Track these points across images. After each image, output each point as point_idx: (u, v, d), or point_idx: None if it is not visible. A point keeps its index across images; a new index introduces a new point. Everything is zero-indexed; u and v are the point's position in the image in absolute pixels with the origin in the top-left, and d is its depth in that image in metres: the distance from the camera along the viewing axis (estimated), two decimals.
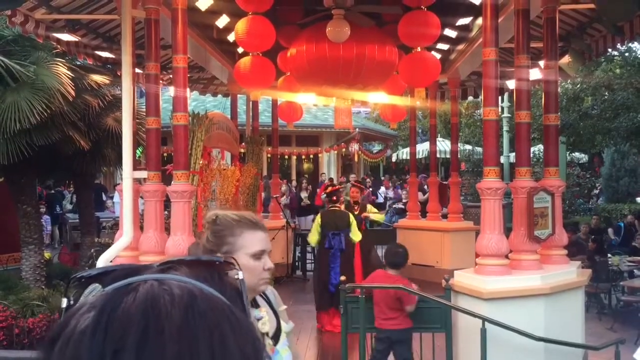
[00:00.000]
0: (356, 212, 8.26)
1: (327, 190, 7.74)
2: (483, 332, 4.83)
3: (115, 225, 10.14)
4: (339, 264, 7.03)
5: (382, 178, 23.87)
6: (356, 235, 7.36)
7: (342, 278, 5.53)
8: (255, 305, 2.01)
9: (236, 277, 0.76)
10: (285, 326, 2.04)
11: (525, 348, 4.79)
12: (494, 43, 5.40)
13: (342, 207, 8.11)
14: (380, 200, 18.08)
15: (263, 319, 1.93)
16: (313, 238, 7.40)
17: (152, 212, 5.89)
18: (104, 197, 16.59)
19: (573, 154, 20.67)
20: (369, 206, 9.10)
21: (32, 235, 9.47)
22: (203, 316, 0.59)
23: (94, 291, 0.63)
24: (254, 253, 1.91)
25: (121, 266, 0.65)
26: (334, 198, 7.49)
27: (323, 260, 7.24)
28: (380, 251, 11.08)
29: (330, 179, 18.77)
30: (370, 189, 17.57)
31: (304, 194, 15.99)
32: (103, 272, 0.65)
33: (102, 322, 0.57)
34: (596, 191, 18.84)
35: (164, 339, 0.56)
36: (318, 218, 7.38)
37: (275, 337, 1.98)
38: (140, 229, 6.14)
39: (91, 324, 0.57)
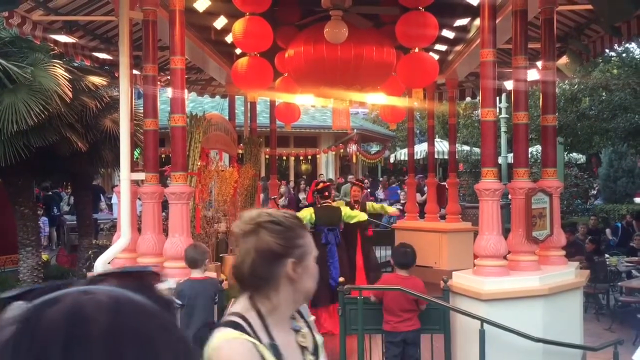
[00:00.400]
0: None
1: (319, 187, 7.74)
2: (481, 333, 4.83)
3: (113, 227, 10.12)
4: (338, 258, 7.08)
5: (380, 179, 23.88)
6: (361, 216, 7.72)
7: (341, 279, 5.50)
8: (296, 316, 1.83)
9: (166, 287, 0.76)
10: (319, 338, 1.86)
11: (524, 349, 4.79)
12: (491, 44, 5.40)
13: (333, 202, 8.15)
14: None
15: (302, 331, 1.76)
16: (307, 219, 7.32)
17: (150, 213, 5.88)
18: (102, 199, 16.57)
19: (571, 155, 20.68)
20: (369, 204, 9.05)
21: (29, 237, 9.46)
22: (129, 319, 0.59)
23: (18, 308, 0.62)
24: (315, 256, 1.79)
25: (47, 283, 0.65)
26: (326, 194, 7.52)
27: (321, 256, 7.26)
28: (379, 252, 11.11)
29: (330, 180, 18.77)
30: (369, 190, 17.56)
31: (302, 195, 15.99)
32: (28, 290, 0.64)
33: (25, 333, 0.56)
34: (594, 192, 18.86)
35: (89, 345, 0.56)
36: (311, 213, 7.28)
37: (315, 352, 1.78)
38: (138, 230, 6.13)
39: (13, 336, 0.56)
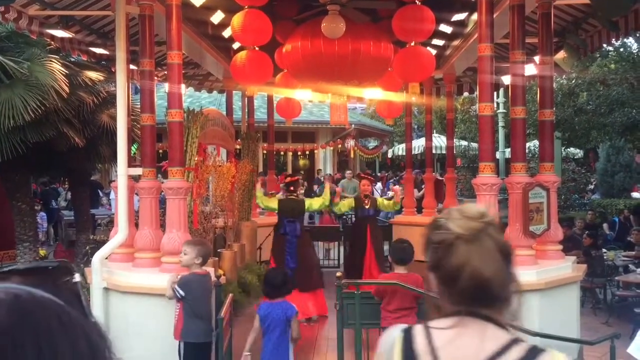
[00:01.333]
0: (366, 206, 8.26)
1: (286, 181, 8.15)
2: None
3: (111, 222, 10.11)
4: (295, 249, 7.46)
5: (379, 174, 23.89)
6: (343, 207, 8.30)
7: (338, 274, 5.50)
8: None
9: (74, 280, 0.75)
10: None
11: None
12: (489, 39, 5.40)
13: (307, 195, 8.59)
14: (377, 196, 18.05)
15: None
16: (265, 204, 8.04)
17: (148, 209, 5.88)
18: (100, 194, 16.55)
19: (568, 150, 20.71)
20: (379, 199, 8.88)
21: (27, 233, 9.46)
22: (29, 315, 0.59)
23: None
24: None
25: None
26: (291, 188, 7.88)
27: (279, 245, 7.69)
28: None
29: (330, 176, 18.79)
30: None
31: (299, 191, 15.95)
32: None
33: None
34: (591, 186, 18.89)
35: None
36: (276, 203, 7.83)
37: None
38: (136, 226, 6.13)
39: None
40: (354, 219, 9.22)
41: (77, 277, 0.77)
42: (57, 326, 0.60)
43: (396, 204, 8.70)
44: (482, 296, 1.30)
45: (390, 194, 8.88)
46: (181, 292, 4.79)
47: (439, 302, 1.38)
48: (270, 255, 8.04)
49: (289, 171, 22.09)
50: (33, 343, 0.57)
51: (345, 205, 8.45)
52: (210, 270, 5.95)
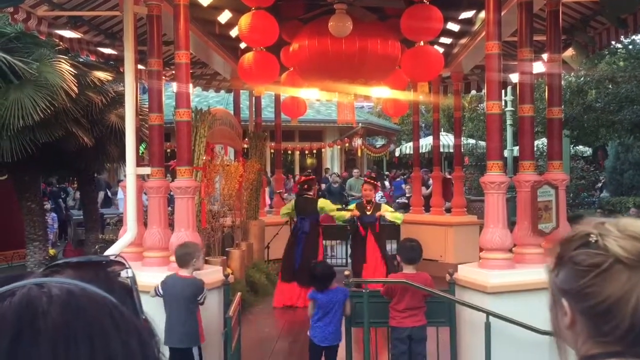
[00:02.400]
0: (368, 212, 8.08)
1: (300, 180, 8.81)
2: (487, 326, 4.83)
3: (120, 222, 10.16)
4: (303, 244, 7.99)
5: (387, 173, 23.87)
6: (327, 207, 8.33)
7: (346, 273, 5.51)
8: None
9: (126, 276, 0.75)
10: None
11: (530, 342, 4.79)
12: (497, 36, 5.38)
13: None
14: (380, 194, 18.00)
15: None
16: (284, 212, 8.62)
17: (156, 208, 5.90)
18: (109, 194, 16.60)
19: (577, 148, 20.61)
20: (384, 206, 8.72)
21: (36, 232, 9.52)
22: (82, 312, 0.59)
23: None
24: None
25: (3, 276, 0.65)
26: (305, 187, 8.45)
27: (290, 241, 8.28)
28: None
29: (337, 175, 18.80)
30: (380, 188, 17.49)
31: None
32: None
33: None
34: (599, 184, 18.80)
35: (39, 339, 0.56)
36: (292, 204, 8.47)
37: None
38: (144, 225, 6.16)
39: None
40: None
41: (129, 273, 0.76)
42: (110, 323, 0.60)
43: (397, 218, 8.41)
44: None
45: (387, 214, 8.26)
46: (160, 292, 4.80)
47: (572, 337, 1.11)
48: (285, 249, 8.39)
49: (297, 170, 22.12)
50: (85, 340, 0.57)
51: (345, 215, 8.40)
52: (217, 269, 5.98)
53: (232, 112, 10.11)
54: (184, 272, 4.88)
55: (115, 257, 0.76)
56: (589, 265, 1.05)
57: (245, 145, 10.56)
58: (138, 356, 0.61)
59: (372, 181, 8.77)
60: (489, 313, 4.84)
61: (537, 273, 5.21)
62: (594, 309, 1.04)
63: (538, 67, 7.34)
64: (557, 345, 1.12)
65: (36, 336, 0.56)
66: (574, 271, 1.07)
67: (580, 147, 21.53)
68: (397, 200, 16.92)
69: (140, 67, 6.84)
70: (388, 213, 8.30)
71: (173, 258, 5.37)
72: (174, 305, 4.75)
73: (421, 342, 5.01)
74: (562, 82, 8.40)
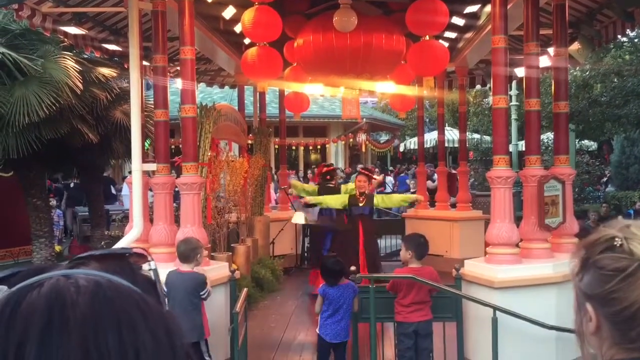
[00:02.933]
0: (361, 204, 7.80)
1: (323, 171, 8.91)
2: (494, 321, 4.83)
3: (125, 218, 10.18)
4: (331, 231, 8.35)
5: (391, 168, 23.85)
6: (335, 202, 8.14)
7: (352, 268, 5.50)
8: None
9: (149, 268, 0.75)
10: None
11: (537, 337, 4.78)
12: (503, 30, 5.36)
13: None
14: (388, 190, 18.02)
15: None
16: (299, 189, 8.92)
17: (162, 204, 5.90)
18: (113, 190, 16.62)
19: (582, 142, 20.53)
20: (378, 197, 8.44)
21: (42, 229, 9.54)
22: (110, 303, 0.59)
23: (0, 293, 0.62)
24: None
25: (29, 267, 0.65)
26: (328, 177, 8.71)
27: (318, 228, 8.61)
28: (389, 241, 11.10)
29: (341, 170, 18.78)
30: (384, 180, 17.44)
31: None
32: (10, 274, 0.65)
33: (4, 318, 0.57)
34: (605, 179, 18.73)
35: (69, 328, 0.56)
36: (314, 188, 8.72)
37: None
38: (150, 221, 6.16)
39: None
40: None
41: (152, 265, 0.77)
42: (137, 314, 0.61)
43: (404, 199, 8.51)
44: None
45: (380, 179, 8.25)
46: (164, 289, 4.81)
47: (598, 343, 1.08)
48: (311, 238, 8.65)
49: (300, 166, 22.12)
50: (114, 331, 0.58)
51: (337, 202, 8.07)
52: (224, 265, 5.98)
53: (236, 108, 10.10)
54: (186, 268, 4.90)
55: (138, 250, 0.76)
56: (614, 270, 1.02)
57: (250, 141, 10.56)
58: (166, 346, 0.61)
59: (366, 172, 8.39)
60: (496, 308, 4.84)
61: (543, 268, 5.21)
62: (619, 314, 1.02)
63: (543, 62, 7.30)
64: (580, 349, 1.10)
65: (66, 326, 0.57)
66: (599, 275, 1.04)
67: (586, 142, 21.46)
68: None
69: (145, 63, 6.84)
70: (390, 199, 8.67)
71: None
72: (177, 300, 4.76)
73: (427, 337, 5.00)
74: (568, 76, 8.35)
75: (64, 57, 8.57)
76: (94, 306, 0.58)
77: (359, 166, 18.00)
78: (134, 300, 0.62)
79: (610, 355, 1.06)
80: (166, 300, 4.69)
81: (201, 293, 4.84)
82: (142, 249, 0.78)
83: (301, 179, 17.48)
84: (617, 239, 1.04)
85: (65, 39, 7.53)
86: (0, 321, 0.57)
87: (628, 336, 1.02)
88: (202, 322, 4.85)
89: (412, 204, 9.94)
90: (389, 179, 19.58)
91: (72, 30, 7.11)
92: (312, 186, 8.58)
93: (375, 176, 9.05)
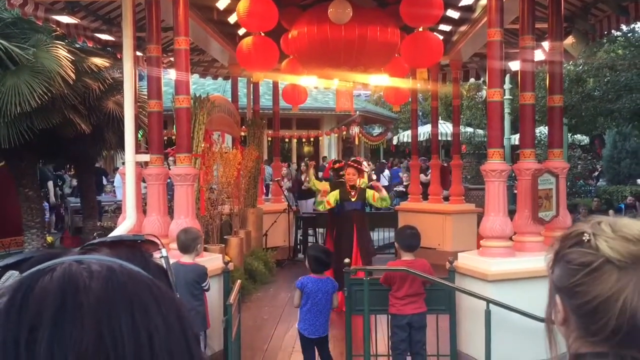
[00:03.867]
0: (353, 199, 7.41)
1: (335, 166, 8.43)
2: (487, 313, 4.85)
3: (118, 209, 10.14)
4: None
5: (383, 161, 23.86)
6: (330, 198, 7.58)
7: (346, 260, 5.50)
8: None
9: (160, 256, 0.76)
10: None
11: (530, 329, 4.80)
12: (498, 23, 5.35)
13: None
14: (385, 183, 18.01)
15: None
16: (315, 185, 8.10)
17: (155, 195, 5.87)
18: (105, 181, 16.54)
19: (575, 136, 20.61)
20: (369, 191, 7.66)
21: (33, 219, 9.48)
22: (122, 287, 0.60)
23: (12, 277, 0.62)
24: None
25: (40, 252, 0.66)
26: (340, 173, 8.07)
27: (333, 223, 7.94)
28: (382, 234, 11.12)
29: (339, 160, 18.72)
30: (373, 173, 17.45)
31: (304, 177, 15.91)
32: (22, 259, 0.65)
33: (17, 302, 0.57)
34: (596, 173, 18.83)
35: (82, 312, 0.57)
36: (327, 185, 7.85)
37: None
38: (143, 212, 6.13)
39: (5, 305, 0.57)
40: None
41: (164, 252, 0.77)
42: (149, 299, 0.61)
43: (384, 199, 7.52)
44: (636, 339, 1.01)
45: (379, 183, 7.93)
46: None
47: (566, 334, 1.10)
48: (327, 232, 8.24)
49: (294, 158, 22.10)
50: (127, 315, 0.58)
51: (331, 199, 7.48)
52: (217, 256, 5.97)
53: (229, 99, 10.05)
54: (186, 259, 4.88)
55: (149, 237, 0.76)
56: (579, 264, 1.05)
57: (243, 133, 10.52)
58: (177, 330, 0.62)
59: (356, 165, 7.79)
60: (489, 301, 4.85)
61: (537, 261, 5.22)
62: (582, 307, 1.04)
63: (538, 55, 7.31)
64: (547, 338, 1.13)
65: (79, 310, 0.57)
66: (566, 269, 1.07)
67: (578, 136, 21.55)
68: (395, 189, 16.94)
69: (138, 53, 6.78)
70: (376, 195, 7.46)
71: (173, 245, 5.36)
72: (180, 292, 4.74)
73: (421, 330, 5.00)
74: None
75: (56, 47, 8.49)
76: (107, 291, 0.59)
77: (351, 159, 18.00)
78: (146, 285, 0.62)
79: (575, 348, 1.08)
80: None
81: (203, 284, 4.84)
82: (154, 236, 0.78)
83: (294, 172, 17.46)
84: (585, 235, 1.06)
85: (58, 28, 7.47)
86: (12, 306, 0.57)
87: (590, 329, 1.04)
88: (205, 314, 4.86)
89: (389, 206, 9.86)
90: (387, 173, 19.58)
91: (65, 19, 7.04)
92: (324, 184, 7.90)
93: (364, 167, 8.85)
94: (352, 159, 9.19)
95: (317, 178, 8.36)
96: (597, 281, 1.02)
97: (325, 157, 21.72)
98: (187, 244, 4.88)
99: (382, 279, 5.14)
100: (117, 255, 0.65)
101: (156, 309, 0.61)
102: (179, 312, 0.64)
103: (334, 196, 7.53)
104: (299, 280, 5.03)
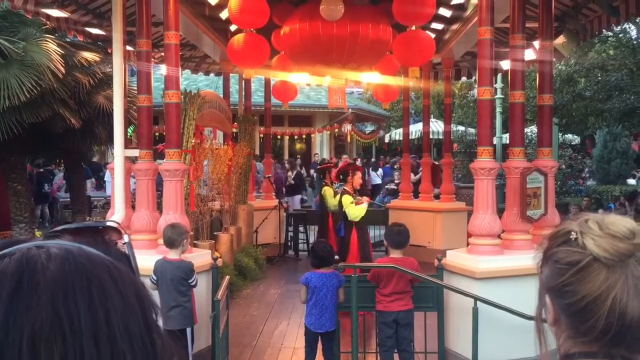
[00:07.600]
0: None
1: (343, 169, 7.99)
2: (475, 311, 4.86)
3: (107, 204, 10.09)
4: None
5: (380, 156, 23.87)
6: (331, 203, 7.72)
7: (336, 257, 5.50)
8: None
9: (122, 242, 0.77)
10: None
11: (517, 327, 4.82)
12: (489, 22, 5.36)
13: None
14: (378, 181, 17.97)
15: None
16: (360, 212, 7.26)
17: (144, 190, 5.85)
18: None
19: (565, 136, 20.70)
20: (345, 197, 7.32)
21: (22, 214, 9.43)
22: (80, 267, 0.61)
23: None
24: None
25: (4, 241, 0.67)
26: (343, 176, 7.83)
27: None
28: (372, 232, 11.11)
29: (324, 160, 18.70)
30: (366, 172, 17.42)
31: (289, 174, 15.80)
32: None
33: None
34: (585, 174, 18.91)
35: (38, 290, 0.58)
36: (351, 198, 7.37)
37: None
38: (132, 207, 6.11)
39: None
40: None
41: (126, 238, 0.79)
42: (107, 278, 0.62)
43: (353, 215, 7.16)
44: (625, 338, 1.00)
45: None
46: (154, 278, 4.78)
47: (557, 334, 1.09)
48: (322, 230, 8.27)
49: (285, 155, 22.07)
50: (84, 293, 0.60)
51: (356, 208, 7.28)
52: (206, 252, 5.95)
53: (221, 95, 10.02)
54: (173, 255, 4.86)
55: (111, 224, 0.77)
56: (567, 263, 1.03)
57: (235, 129, 10.50)
58: (136, 309, 0.63)
59: (359, 168, 7.93)
60: (477, 298, 4.87)
61: (525, 259, 5.23)
62: (571, 307, 1.03)
63: (528, 55, 7.32)
64: (537, 337, 1.11)
65: (35, 288, 0.58)
66: (555, 268, 1.06)
67: (569, 136, 21.65)
68: (386, 187, 16.95)
69: (128, 48, 6.74)
70: (351, 207, 7.20)
71: (161, 241, 5.34)
72: (165, 289, 4.74)
73: (408, 327, 5.01)
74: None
75: (46, 40, 8.44)
76: (64, 271, 0.60)
77: (344, 157, 17.98)
78: (105, 266, 0.63)
79: (565, 348, 1.07)
80: (156, 285, 4.70)
81: (190, 280, 4.82)
82: (116, 222, 0.79)
83: (278, 169, 17.38)
84: (573, 233, 1.05)
85: (48, 22, 7.40)
86: None
87: (580, 330, 1.03)
88: (192, 310, 4.85)
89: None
90: (380, 172, 19.53)
91: (55, 12, 6.98)
92: (348, 198, 7.26)
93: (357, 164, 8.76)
94: (344, 158, 9.07)
95: (317, 178, 8.26)
96: (585, 280, 1.01)
97: (317, 154, 21.71)
98: (173, 238, 4.86)
99: (370, 276, 5.14)
100: (79, 241, 0.66)
101: (114, 289, 0.62)
102: (138, 292, 0.65)
103: (352, 203, 7.24)
104: (303, 275, 5.07)
